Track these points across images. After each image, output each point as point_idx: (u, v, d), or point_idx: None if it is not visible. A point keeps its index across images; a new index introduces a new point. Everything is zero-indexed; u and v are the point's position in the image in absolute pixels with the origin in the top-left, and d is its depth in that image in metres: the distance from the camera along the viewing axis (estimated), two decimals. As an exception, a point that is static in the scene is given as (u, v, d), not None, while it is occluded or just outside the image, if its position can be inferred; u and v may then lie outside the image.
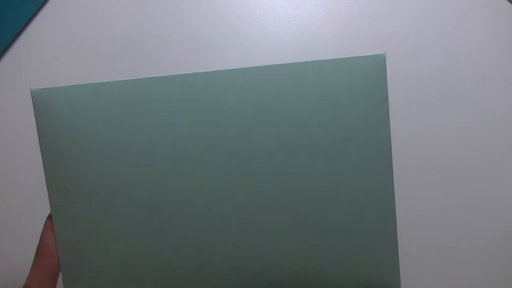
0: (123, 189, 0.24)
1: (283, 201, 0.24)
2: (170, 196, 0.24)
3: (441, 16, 0.43)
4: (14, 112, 0.42)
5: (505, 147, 0.41)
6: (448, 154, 0.41)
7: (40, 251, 0.26)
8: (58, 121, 0.25)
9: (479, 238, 0.40)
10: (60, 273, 0.26)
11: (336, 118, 0.25)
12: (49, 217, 0.26)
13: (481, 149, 0.41)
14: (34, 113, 0.24)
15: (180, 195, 0.24)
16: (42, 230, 0.26)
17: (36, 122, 0.25)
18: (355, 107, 0.25)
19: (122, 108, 0.24)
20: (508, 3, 0.43)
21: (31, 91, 0.24)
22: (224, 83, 0.24)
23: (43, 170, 0.41)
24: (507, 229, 0.40)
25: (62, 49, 0.43)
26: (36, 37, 0.43)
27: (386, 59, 0.24)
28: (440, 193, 0.40)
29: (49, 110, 0.24)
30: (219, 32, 0.43)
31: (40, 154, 0.41)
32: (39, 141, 0.25)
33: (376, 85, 0.24)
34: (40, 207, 0.40)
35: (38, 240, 0.40)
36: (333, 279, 0.25)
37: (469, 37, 0.42)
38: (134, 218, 0.25)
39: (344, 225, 0.25)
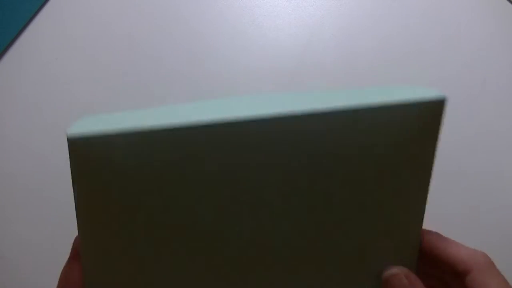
0: (162, 250, 0.23)
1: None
2: (209, 254, 0.23)
3: (441, 16, 0.43)
4: (14, 112, 0.42)
5: (505, 148, 0.41)
6: (448, 156, 0.41)
7: (73, 255, 0.24)
8: (95, 173, 0.21)
9: (479, 241, 0.40)
10: None
11: (379, 170, 0.23)
12: (73, 254, 0.24)
13: (481, 150, 0.41)
14: (70, 163, 0.21)
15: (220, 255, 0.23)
16: (66, 265, 0.24)
17: (71, 173, 0.21)
18: (399, 157, 0.23)
19: (166, 159, 0.21)
20: (508, 3, 0.43)
21: (68, 139, 0.20)
22: (272, 133, 0.22)
23: (42, 170, 0.41)
24: (508, 231, 0.40)
25: (62, 49, 0.43)
26: (36, 37, 0.43)
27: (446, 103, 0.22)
28: (440, 195, 0.40)
29: (86, 160, 0.21)
30: (219, 32, 0.43)
31: (40, 154, 0.41)
32: (75, 197, 0.22)
33: (429, 131, 0.23)
34: (39, 208, 0.40)
35: (36, 241, 0.40)
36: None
37: (469, 37, 0.42)
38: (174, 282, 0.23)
39: None
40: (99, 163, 0.21)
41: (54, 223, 0.40)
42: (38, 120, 0.42)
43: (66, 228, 0.38)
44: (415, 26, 0.43)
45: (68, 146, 0.20)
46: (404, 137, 0.22)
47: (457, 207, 0.40)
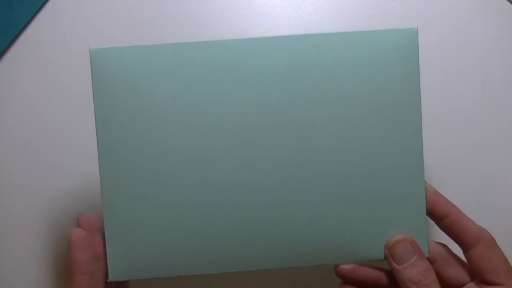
0: (173, 149, 0.26)
1: (317, 162, 0.27)
2: (218, 154, 0.26)
3: (441, 17, 0.43)
4: (14, 113, 0.42)
5: (505, 148, 0.41)
6: (447, 155, 0.41)
7: (72, 270, 0.25)
8: (113, 80, 0.26)
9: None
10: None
11: (367, 89, 0.26)
12: (74, 234, 0.26)
13: (481, 150, 0.41)
14: (91, 73, 0.26)
15: (227, 154, 0.26)
16: (72, 249, 0.26)
17: (92, 82, 0.26)
18: (386, 78, 0.26)
19: (176, 70, 0.26)
20: (508, 3, 0.43)
21: (89, 50, 0.26)
22: (267, 50, 0.27)
23: (43, 171, 0.41)
24: (507, 232, 0.40)
25: (62, 49, 0.43)
26: (36, 37, 0.43)
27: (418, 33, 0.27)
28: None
29: (105, 70, 0.26)
30: (219, 32, 0.43)
31: (40, 154, 0.41)
32: (94, 99, 0.26)
33: (408, 57, 0.27)
34: (38, 210, 0.40)
35: (33, 240, 0.40)
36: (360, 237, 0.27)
37: (469, 37, 0.42)
38: (183, 176, 0.26)
39: (372, 190, 0.27)
40: (114, 70, 0.26)
41: (52, 223, 0.40)
42: (38, 120, 0.42)
43: (63, 228, 0.38)
44: (414, 24, 0.43)
45: (90, 57, 0.26)
46: (386, 59, 0.27)
47: (456, 205, 0.40)
